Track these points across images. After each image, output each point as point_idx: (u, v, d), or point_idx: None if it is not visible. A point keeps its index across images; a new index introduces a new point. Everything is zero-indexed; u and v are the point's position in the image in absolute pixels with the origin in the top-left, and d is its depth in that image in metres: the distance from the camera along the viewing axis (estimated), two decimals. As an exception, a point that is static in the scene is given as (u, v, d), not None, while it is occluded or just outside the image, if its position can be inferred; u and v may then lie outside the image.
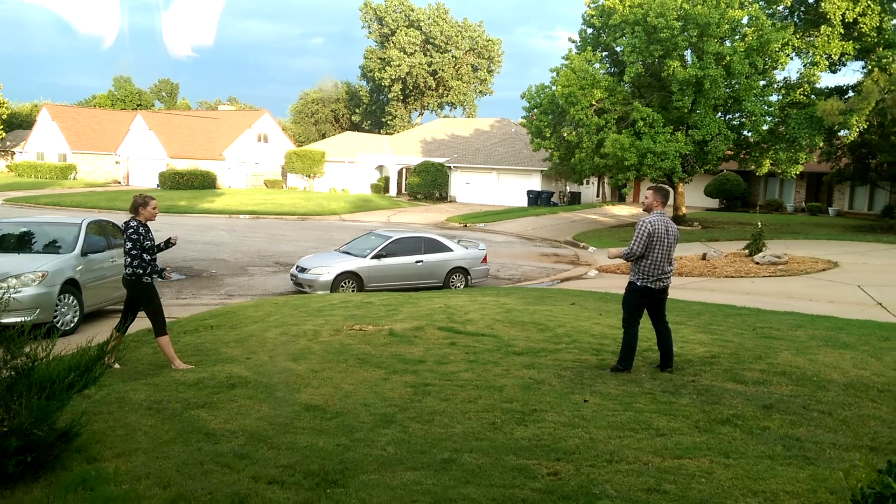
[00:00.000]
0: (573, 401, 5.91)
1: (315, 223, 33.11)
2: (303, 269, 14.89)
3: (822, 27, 27.41)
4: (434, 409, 5.63)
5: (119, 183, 55.59)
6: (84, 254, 10.54)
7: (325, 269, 14.70)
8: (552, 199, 42.79)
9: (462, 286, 15.80)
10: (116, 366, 7.18)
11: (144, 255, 7.10)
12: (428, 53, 70.89)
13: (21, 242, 10.85)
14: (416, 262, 15.56)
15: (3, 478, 3.90)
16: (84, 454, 4.39)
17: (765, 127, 28.20)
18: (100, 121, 61.27)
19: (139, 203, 7.20)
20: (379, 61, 71.44)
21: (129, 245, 7.06)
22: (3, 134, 63.30)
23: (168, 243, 7.65)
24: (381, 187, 50.41)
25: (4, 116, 63.46)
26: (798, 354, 7.76)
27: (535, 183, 43.55)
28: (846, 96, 29.17)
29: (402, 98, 73.43)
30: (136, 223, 7.12)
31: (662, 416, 5.52)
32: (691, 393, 6.18)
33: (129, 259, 7.10)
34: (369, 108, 76.69)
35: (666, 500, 3.97)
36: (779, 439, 5.03)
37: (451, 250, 16.11)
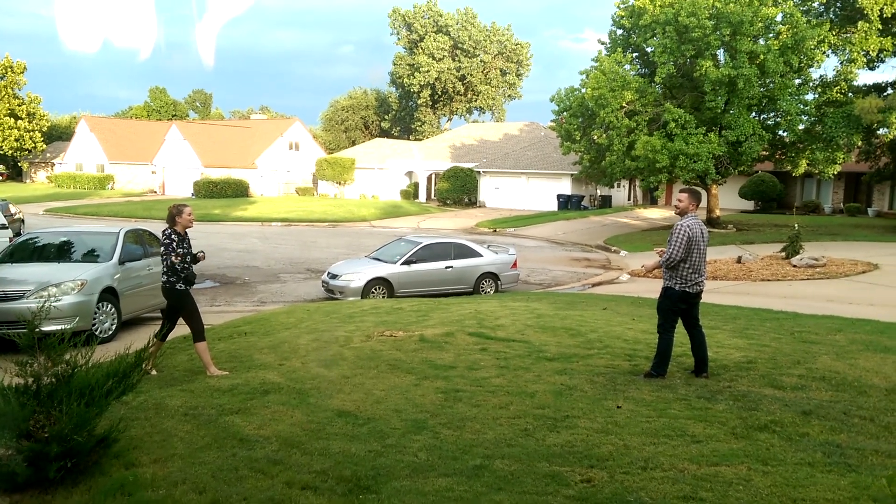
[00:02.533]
0: (606, 407, 5.85)
1: (345, 230, 33.35)
2: (334, 276, 15.00)
3: (859, 23, 26.81)
4: (465, 416, 5.62)
5: (155, 192, 56.69)
6: (122, 262, 10.76)
7: (356, 275, 14.79)
8: (582, 203, 42.48)
9: (492, 291, 15.76)
10: (154, 372, 7.30)
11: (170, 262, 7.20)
12: (456, 58, 71.03)
13: (60, 252, 11.11)
14: (446, 267, 15.57)
15: (45, 483, 3.99)
16: (122, 460, 4.48)
17: (801, 126, 27.65)
18: (136, 131, 62.62)
19: (174, 213, 7.34)
20: (408, 67, 71.79)
21: (164, 254, 7.21)
22: (44, 146, 65.02)
23: (195, 258, 7.61)
24: (411, 193, 50.59)
25: (45, 128, 65.18)
26: (838, 359, 7.58)
27: (566, 187, 43.29)
28: (885, 93, 28.47)
29: (430, 104, 73.64)
30: (170, 232, 7.25)
31: (698, 422, 5.43)
32: (727, 399, 6.07)
33: (164, 267, 7.25)
34: (398, 115, 77.07)
35: (702, 508, 3.90)
36: (819, 446, 4.91)
37: (481, 255, 16.09)
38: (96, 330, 9.71)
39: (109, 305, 10.16)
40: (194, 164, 53.72)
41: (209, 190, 49.34)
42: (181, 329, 7.72)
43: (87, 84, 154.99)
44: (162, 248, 7.27)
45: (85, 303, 9.63)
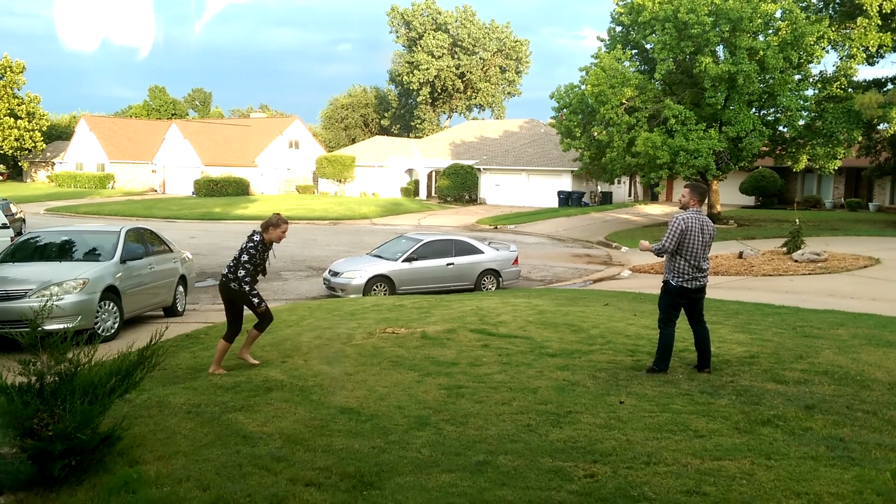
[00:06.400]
0: (609, 402, 5.85)
1: (346, 227, 33.35)
2: (335, 273, 15.00)
3: (859, 19, 26.77)
4: (468, 412, 5.63)
5: (155, 191, 56.71)
6: (123, 261, 10.74)
7: (358, 272, 14.79)
8: (583, 200, 42.49)
9: (493, 288, 15.77)
10: (221, 372, 7.07)
11: (248, 266, 7.03)
12: (456, 56, 70.98)
13: (62, 251, 11.10)
14: (447, 264, 15.56)
15: (49, 481, 4.00)
16: (126, 457, 4.48)
17: (801, 122, 27.65)
18: (136, 130, 62.64)
19: (273, 223, 7.14)
20: (407, 65, 71.74)
21: (246, 258, 7.03)
22: (44, 145, 64.99)
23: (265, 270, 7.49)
24: (411, 191, 50.60)
25: (44, 128, 65.15)
26: (840, 353, 7.58)
27: (566, 183, 43.29)
28: (885, 89, 28.46)
29: (430, 101, 73.62)
30: (258, 239, 7.11)
31: (701, 417, 5.43)
32: (730, 393, 6.07)
33: (242, 271, 7.01)
34: (398, 112, 77.06)
35: (706, 502, 3.91)
36: (822, 440, 4.91)
37: (482, 252, 16.09)
38: (98, 328, 9.71)
39: (111, 304, 10.15)
40: (194, 163, 53.73)
41: (210, 188, 49.35)
42: (183, 327, 7.72)
43: (87, 83, 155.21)
44: (243, 250, 7.08)
45: (87, 301, 9.63)
